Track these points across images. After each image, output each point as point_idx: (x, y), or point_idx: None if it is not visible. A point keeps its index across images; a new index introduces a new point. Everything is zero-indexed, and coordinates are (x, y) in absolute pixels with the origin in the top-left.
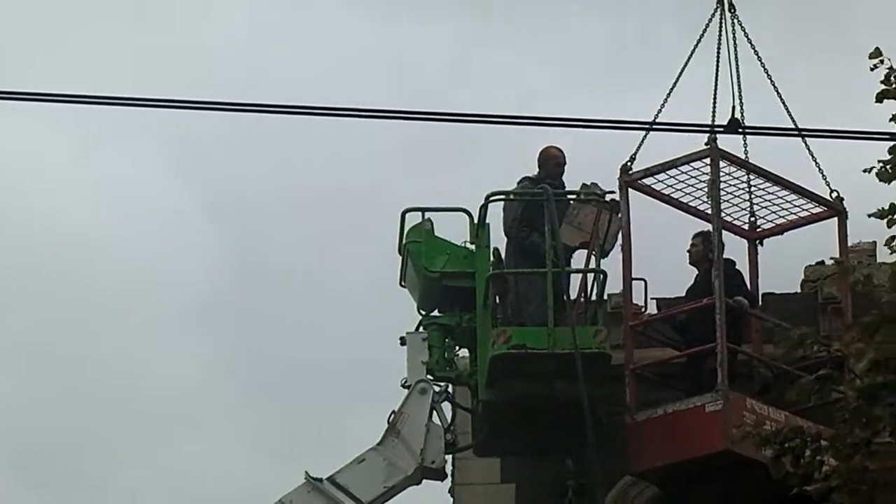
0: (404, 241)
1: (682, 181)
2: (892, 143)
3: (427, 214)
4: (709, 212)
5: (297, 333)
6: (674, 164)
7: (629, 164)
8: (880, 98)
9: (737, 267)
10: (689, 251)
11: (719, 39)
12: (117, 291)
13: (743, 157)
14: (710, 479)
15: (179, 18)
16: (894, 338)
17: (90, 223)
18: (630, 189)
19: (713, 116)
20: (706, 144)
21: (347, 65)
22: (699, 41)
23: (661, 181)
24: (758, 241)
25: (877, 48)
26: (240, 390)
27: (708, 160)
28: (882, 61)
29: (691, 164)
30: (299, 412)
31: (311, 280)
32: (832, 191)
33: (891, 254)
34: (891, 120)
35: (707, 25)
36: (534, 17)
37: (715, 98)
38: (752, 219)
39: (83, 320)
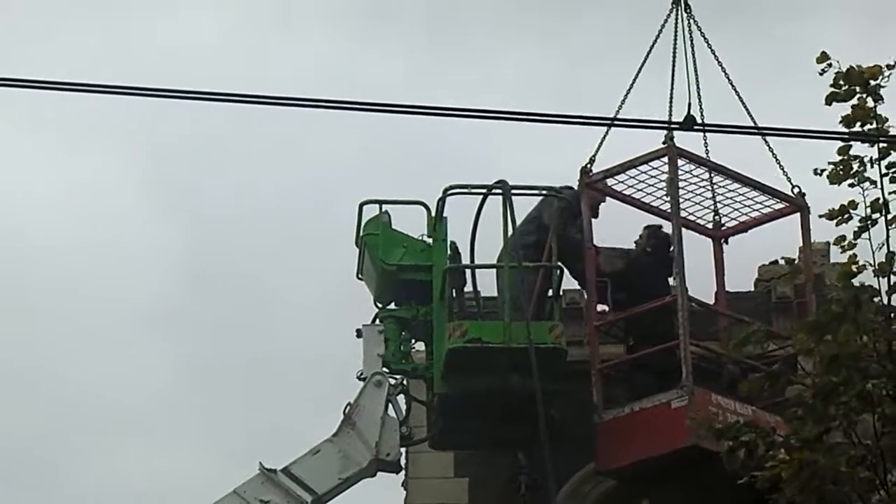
0: (361, 234)
1: (643, 181)
2: (841, 144)
3: (384, 207)
4: (670, 211)
5: (255, 337)
6: (632, 164)
7: (589, 165)
8: (829, 101)
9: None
10: (635, 241)
11: (675, 38)
12: (74, 296)
13: (704, 154)
14: (678, 475)
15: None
16: (848, 336)
17: (49, 227)
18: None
19: (669, 113)
20: (663, 143)
21: (308, 83)
22: (656, 40)
23: (622, 182)
24: (722, 240)
25: (823, 52)
26: (198, 394)
27: (666, 159)
28: (830, 65)
29: (652, 163)
30: (257, 415)
31: (268, 283)
32: (793, 186)
33: (841, 252)
34: (840, 122)
35: (663, 25)
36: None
37: (672, 95)
38: (717, 217)
39: (40, 325)
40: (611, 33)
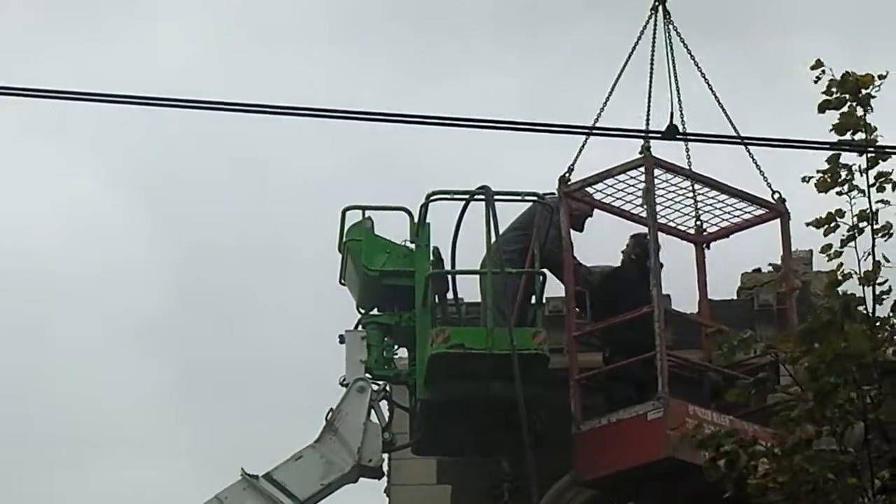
0: (344, 240)
1: (622, 189)
2: (830, 153)
3: (367, 213)
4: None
5: (238, 346)
6: (609, 173)
7: (567, 174)
8: (822, 109)
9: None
10: (622, 251)
11: (653, 43)
12: (56, 308)
13: (686, 162)
14: (656, 487)
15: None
16: (853, 333)
17: (39, 241)
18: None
19: (647, 122)
20: (640, 153)
21: (291, 95)
22: (635, 47)
23: (602, 191)
24: (704, 245)
25: (818, 59)
26: (187, 411)
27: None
28: (824, 72)
29: (633, 172)
30: (247, 431)
31: (259, 300)
32: (774, 192)
33: (828, 261)
34: (831, 130)
35: (642, 32)
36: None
37: (649, 102)
38: (698, 223)
39: (27, 339)
40: (603, 43)
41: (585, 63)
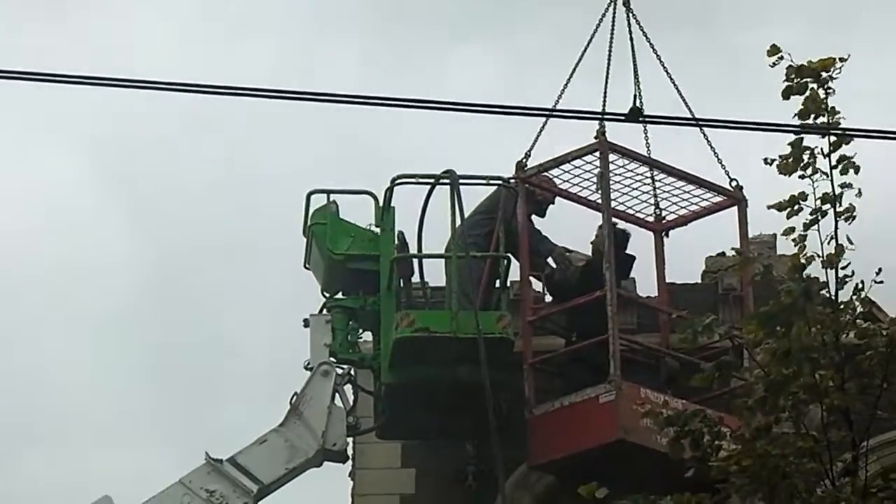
0: (309, 223)
1: (580, 175)
2: (794, 137)
3: (332, 197)
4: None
5: (210, 337)
6: (565, 158)
7: (524, 160)
8: (786, 95)
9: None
10: (591, 242)
11: (612, 30)
12: (35, 297)
13: (644, 147)
14: (608, 469)
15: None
16: (801, 331)
17: (12, 227)
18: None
19: (603, 104)
20: (595, 137)
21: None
22: (595, 32)
23: (560, 177)
24: (663, 233)
25: (773, 45)
26: (155, 396)
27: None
28: (781, 58)
29: (590, 158)
30: (212, 415)
31: (232, 287)
32: (731, 180)
33: (794, 246)
34: (794, 116)
35: (601, 18)
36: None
37: (606, 87)
38: (657, 211)
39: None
40: (564, 36)
41: (562, 53)
